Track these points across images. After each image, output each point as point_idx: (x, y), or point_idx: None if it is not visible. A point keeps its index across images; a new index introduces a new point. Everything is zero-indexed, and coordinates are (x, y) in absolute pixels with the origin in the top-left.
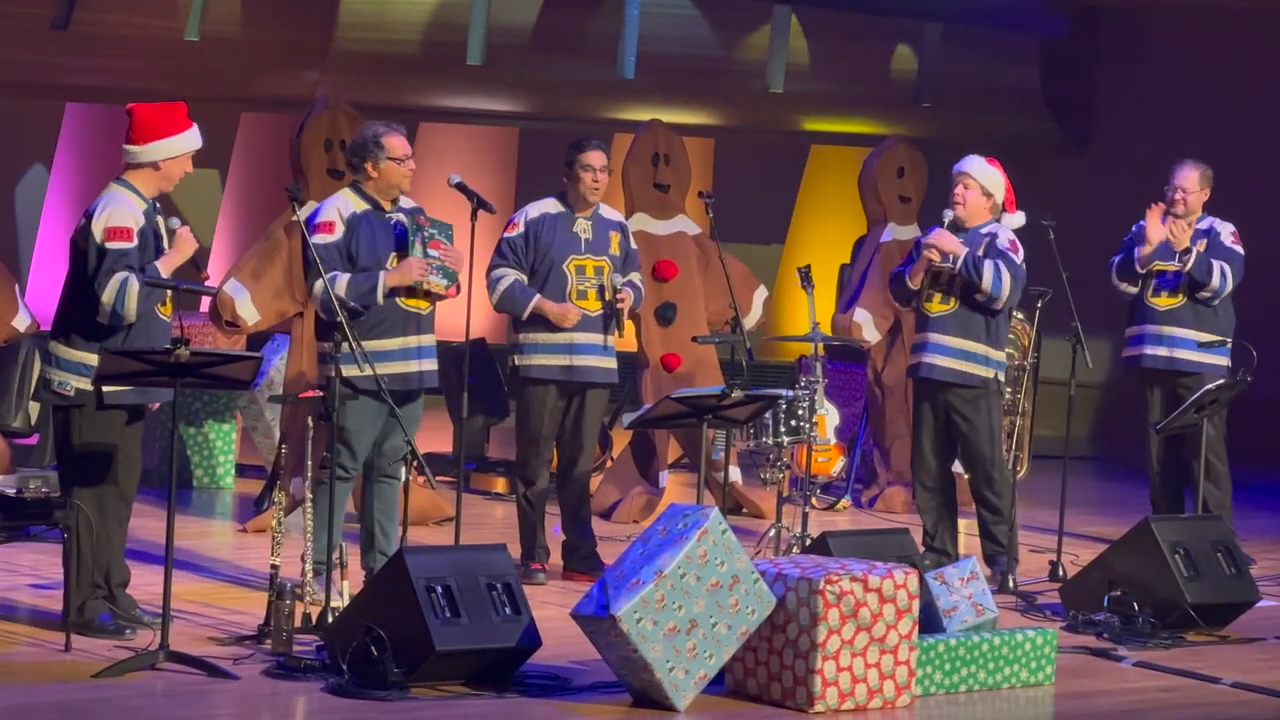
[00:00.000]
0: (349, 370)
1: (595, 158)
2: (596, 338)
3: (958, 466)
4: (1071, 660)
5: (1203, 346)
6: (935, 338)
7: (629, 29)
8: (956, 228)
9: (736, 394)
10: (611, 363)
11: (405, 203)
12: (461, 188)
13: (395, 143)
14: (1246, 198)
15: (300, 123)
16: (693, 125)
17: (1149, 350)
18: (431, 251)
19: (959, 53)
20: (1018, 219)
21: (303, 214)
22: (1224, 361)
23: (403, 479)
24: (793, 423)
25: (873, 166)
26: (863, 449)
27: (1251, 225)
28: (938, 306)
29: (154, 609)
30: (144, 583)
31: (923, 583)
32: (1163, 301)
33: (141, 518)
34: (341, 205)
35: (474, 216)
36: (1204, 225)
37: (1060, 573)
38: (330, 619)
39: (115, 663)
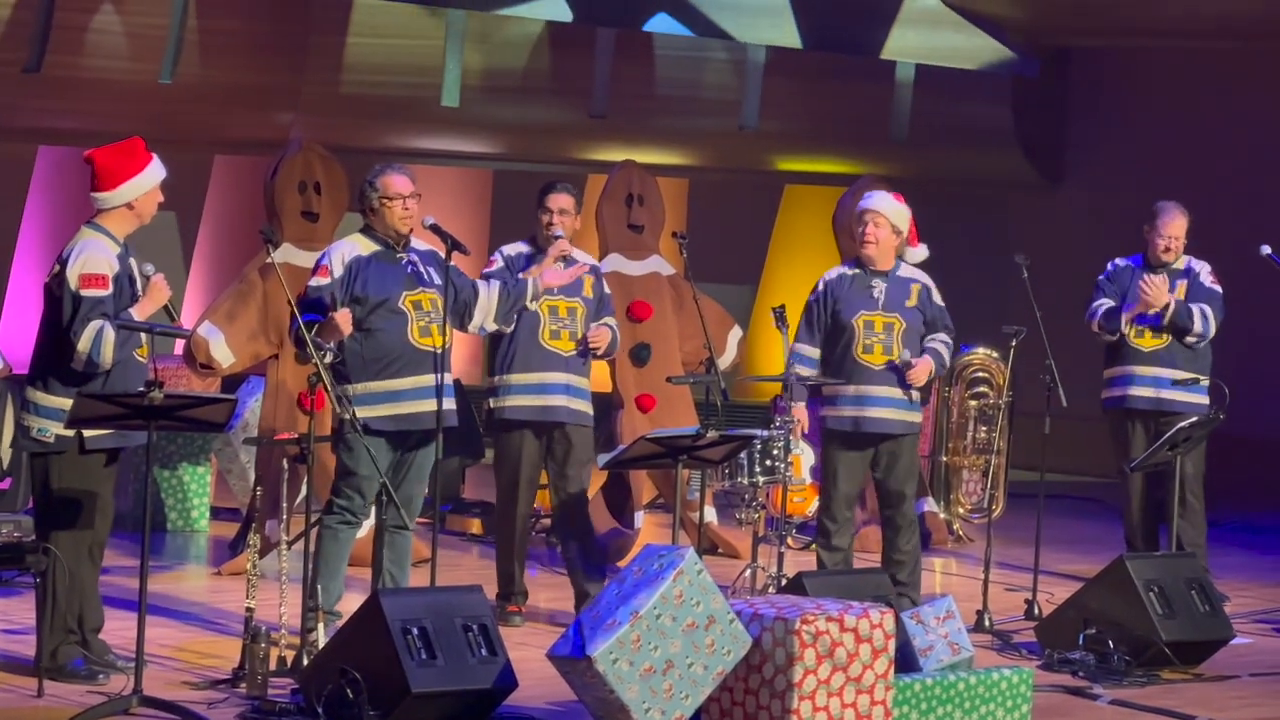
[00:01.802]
0: (360, 412)
1: (556, 200)
2: (569, 378)
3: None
4: (1047, 699)
5: (1176, 384)
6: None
7: (600, 69)
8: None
9: (711, 434)
10: (584, 405)
11: (418, 244)
12: (436, 229)
13: (388, 182)
14: (1216, 236)
15: (274, 165)
16: (666, 165)
17: (1133, 391)
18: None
19: (932, 92)
20: (920, 253)
21: (278, 256)
22: (1204, 400)
23: (412, 528)
24: (768, 463)
25: (847, 206)
26: None
27: (1222, 263)
28: (1150, 341)
29: (128, 653)
30: (118, 627)
31: (899, 622)
32: (1146, 342)
33: (115, 561)
34: (347, 250)
35: (448, 258)
36: (1182, 265)
37: (1036, 611)
38: (306, 662)
39: (88, 708)
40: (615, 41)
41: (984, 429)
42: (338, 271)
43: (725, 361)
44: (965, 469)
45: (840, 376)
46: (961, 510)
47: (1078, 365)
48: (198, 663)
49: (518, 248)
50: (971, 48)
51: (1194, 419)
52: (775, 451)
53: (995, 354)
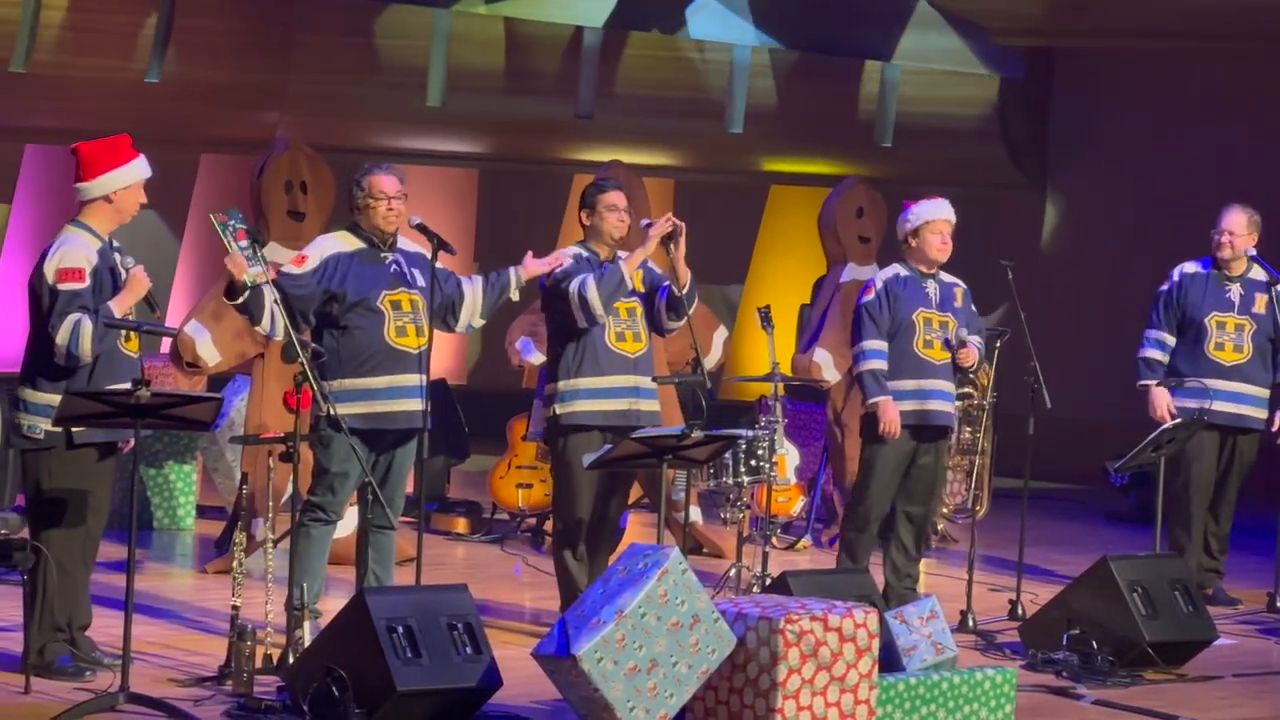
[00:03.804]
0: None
1: (618, 198)
2: (637, 380)
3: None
4: (1031, 699)
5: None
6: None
7: (586, 69)
8: None
9: (696, 434)
10: (653, 405)
11: (406, 245)
12: (422, 229)
13: (375, 181)
14: (1200, 235)
15: (260, 164)
16: (653, 166)
17: (1210, 404)
18: (240, 243)
19: (917, 93)
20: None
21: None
22: (1263, 414)
23: (396, 527)
24: (753, 463)
25: (832, 207)
26: (822, 489)
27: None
28: (1230, 355)
29: (114, 650)
30: (104, 624)
31: (882, 621)
32: (1227, 355)
33: (101, 559)
34: (329, 245)
35: (434, 257)
36: (1261, 275)
37: (1020, 611)
38: (291, 660)
39: (75, 705)
40: (602, 42)
41: (968, 429)
42: (313, 265)
43: (711, 362)
44: (949, 469)
45: (902, 372)
46: (946, 510)
47: (1062, 367)
48: (184, 660)
49: (574, 251)
50: (956, 49)
51: (1178, 420)
52: (760, 451)
53: None
